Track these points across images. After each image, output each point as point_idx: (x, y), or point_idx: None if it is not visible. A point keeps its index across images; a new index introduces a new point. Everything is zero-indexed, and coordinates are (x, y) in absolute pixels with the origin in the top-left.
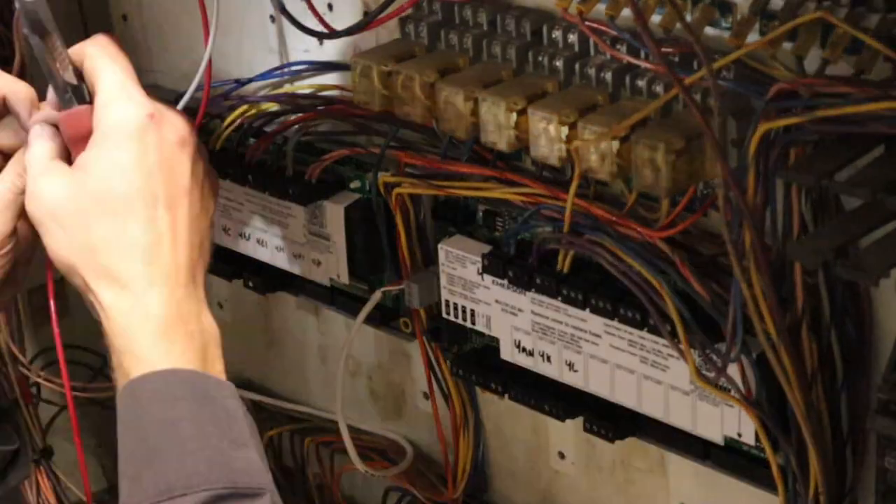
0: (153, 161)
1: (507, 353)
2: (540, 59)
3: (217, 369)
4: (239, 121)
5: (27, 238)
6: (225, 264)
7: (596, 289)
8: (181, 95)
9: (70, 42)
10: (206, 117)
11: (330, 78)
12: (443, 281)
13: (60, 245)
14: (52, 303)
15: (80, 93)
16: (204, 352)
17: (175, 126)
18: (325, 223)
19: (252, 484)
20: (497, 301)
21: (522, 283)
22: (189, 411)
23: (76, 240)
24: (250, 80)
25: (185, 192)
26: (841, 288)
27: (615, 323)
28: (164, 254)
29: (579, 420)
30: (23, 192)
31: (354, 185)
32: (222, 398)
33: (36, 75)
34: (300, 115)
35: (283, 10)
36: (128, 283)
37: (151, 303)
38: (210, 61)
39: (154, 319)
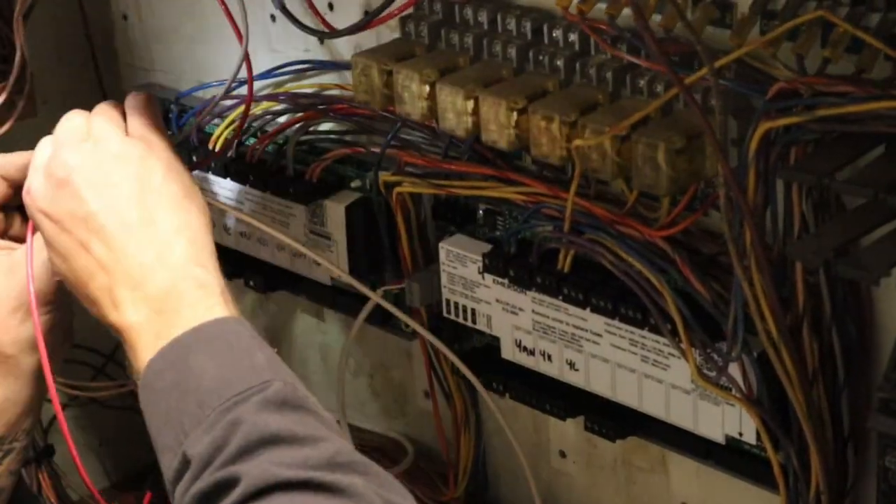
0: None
1: (508, 353)
2: (540, 58)
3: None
4: (239, 120)
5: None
6: (225, 263)
7: (597, 288)
8: (182, 95)
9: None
10: (206, 116)
11: (331, 77)
12: (443, 280)
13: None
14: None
15: None
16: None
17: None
18: (325, 222)
19: (256, 382)
20: (498, 300)
21: (523, 282)
22: (183, 367)
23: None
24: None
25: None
26: (842, 287)
27: (616, 322)
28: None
29: (580, 419)
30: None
31: (355, 184)
32: (214, 327)
33: (36, 73)
34: (301, 114)
35: (284, 10)
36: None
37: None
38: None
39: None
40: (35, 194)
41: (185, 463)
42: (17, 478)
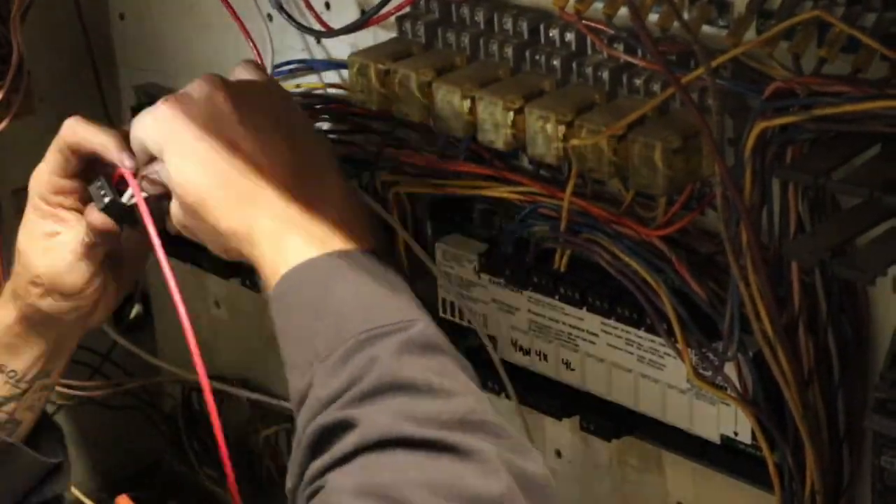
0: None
1: (504, 352)
2: (537, 57)
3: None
4: None
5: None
6: (222, 263)
7: (593, 287)
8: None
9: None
10: None
11: (327, 77)
12: (440, 280)
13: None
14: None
15: None
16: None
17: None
18: None
19: (401, 318)
20: (494, 300)
21: (519, 281)
22: (325, 287)
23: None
24: None
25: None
26: (838, 286)
27: (612, 321)
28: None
29: (576, 419)
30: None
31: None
32: (361, 258)
33: (34, 72)
34: None
35: (281, 9)
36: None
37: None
38: None
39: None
40: (188, 96)
41: (309, 389)
42: (38, 414)
